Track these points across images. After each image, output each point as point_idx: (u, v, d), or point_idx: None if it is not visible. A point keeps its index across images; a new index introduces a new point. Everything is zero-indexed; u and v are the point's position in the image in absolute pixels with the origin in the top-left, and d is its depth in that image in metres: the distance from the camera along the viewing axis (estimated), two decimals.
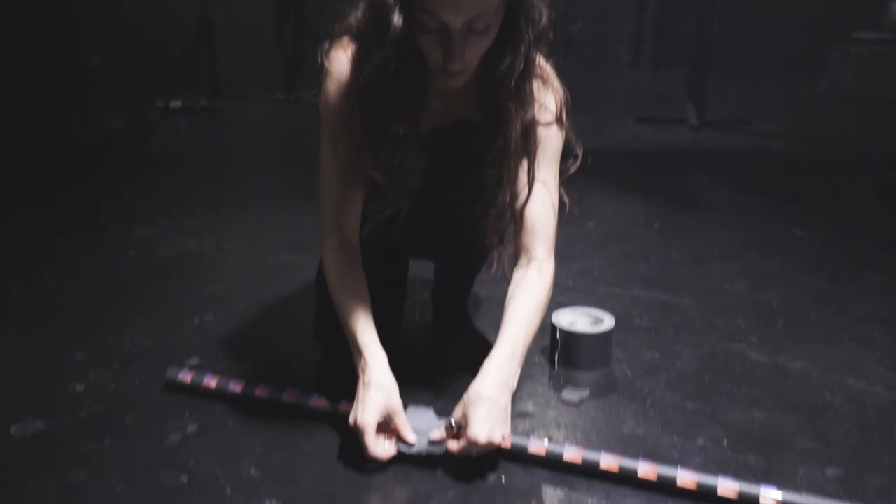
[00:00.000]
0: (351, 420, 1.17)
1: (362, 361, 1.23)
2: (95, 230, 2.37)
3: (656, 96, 4.90)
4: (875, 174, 3.36)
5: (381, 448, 1.15)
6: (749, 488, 1.08)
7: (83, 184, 2.96)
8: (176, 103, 4.44)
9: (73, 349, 1.57)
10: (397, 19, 1.10)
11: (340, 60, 1.24)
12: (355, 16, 1.21)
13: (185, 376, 1.40)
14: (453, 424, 1.17)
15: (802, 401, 1.40)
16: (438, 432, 1.18)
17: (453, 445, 1.16)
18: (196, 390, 1.39)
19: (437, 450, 1.17)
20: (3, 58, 3.70)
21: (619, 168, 3.20)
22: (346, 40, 1.24)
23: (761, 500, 1.07)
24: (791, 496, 1.07)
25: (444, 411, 1.24)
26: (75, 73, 3.68)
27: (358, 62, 1.20)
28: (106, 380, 1.46)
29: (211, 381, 1.38)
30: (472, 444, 1.12)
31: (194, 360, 1.52)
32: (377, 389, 1.19)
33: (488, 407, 1.15)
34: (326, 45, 1.26)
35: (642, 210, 2.65)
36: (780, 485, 1.09)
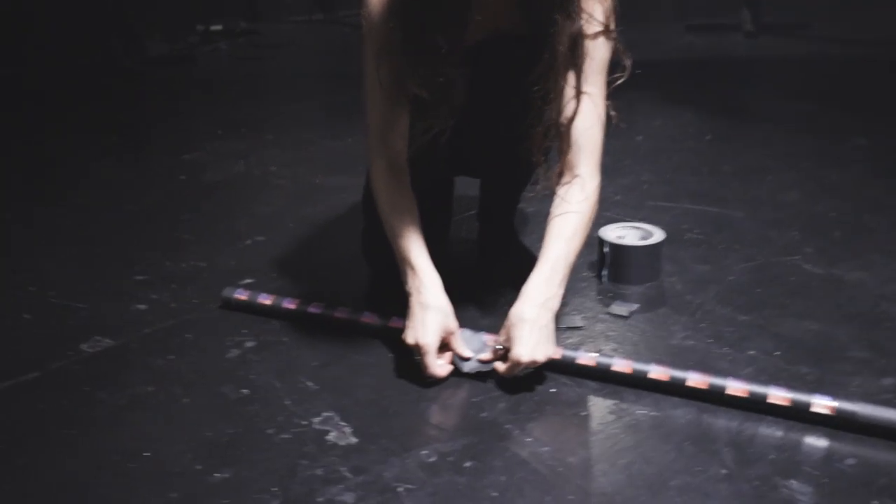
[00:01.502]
0: (410, 340, 1.19)
1: (416, 282, 1.24)
2: (145, 155, 2.40)
3: (708, 0, 4.69)
4: None
5: (440, 367, 1.18)
6: (802, 396, 1.08)
7: (131, 109, 2.99)
8: (216, 26, 4.41)
9: (133, 271, 1.61)
10: None
11: None
12: None
13: (241, 295, 1.44)
14: (499, 346, 1.19)
15: (858, 311, 1.38)
16: (487, 354, 1.21)
17: (500, 366, 1.18)
18: (251, 308, 1.42)
19: (486, 368, 1.20)
20: None
21: (668, 78, 3.11)
22: None
23: (813, 408, 1.08)
24: (845, 404, 1.07)
25: (492, 328, 1.25)
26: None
27: None
28: (166, 299, 1.50)
29: (266, 300, 1.42)
30: (515, 364, 1.14)
31: (248, 280, 1.55)
32: (436, 311, 1.20)
33: (529, 328, 1.16)
34: None
35: (693, 121, 2.58)
36: (833, 395, 1.08)
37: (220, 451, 1.06)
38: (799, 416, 1.08)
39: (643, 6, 4.69)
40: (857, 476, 0.99)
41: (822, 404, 1.07)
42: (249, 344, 1.32)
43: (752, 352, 1.26)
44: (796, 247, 1.65)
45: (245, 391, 1.18)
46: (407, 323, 1.21)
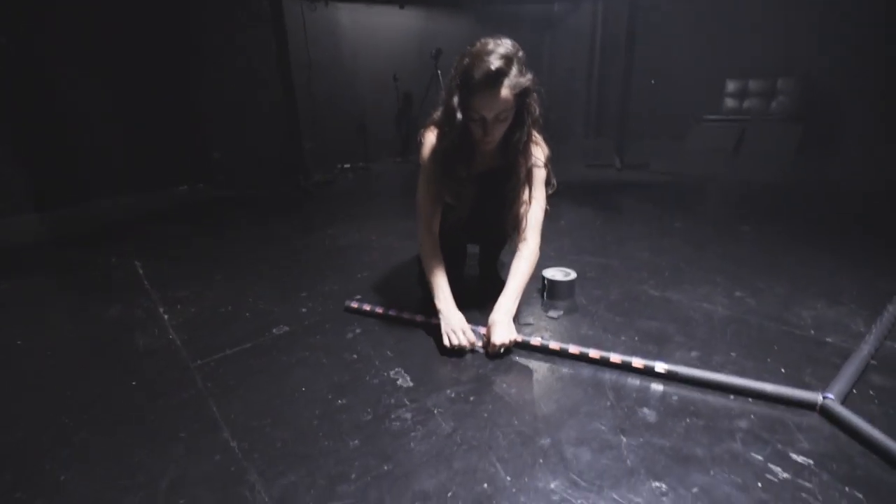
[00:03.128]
0: (445, 329, 1.18)
1: (443, 304, 1.22)
2: (310, 231, 2.43)
3: (597, 151, 4.71)
4: (717, 191, 3.18)
5: (460, 341, 1.16)
6: (649, 362, 1.07)
7: (304, 208, 3.05)
8: (346, 164, 4.50)
9: (301, 290, 1.62)
10: (459, 116, 1.11)
11: (429, 138, 1.24)
12: (437, 113, 1.22)
13: (354, 304, 1.44)
14: (485, 336, 1.17)
15: (678, 316, 1.35)
16: (480, 341, 1.19)
17: (487, 349, 1.16)
18: (360, 312, 1.42)
19: (480, 348, 1.18)
20: (261, 142, 3.83)
21: (577, 191, 3.09)
22: (431, 127, 1.24)
23: (656, 369, 1.05)
24: (672, 367, 1.05)
25: (484, 323, 1.23)
26: (300, 153, 3.76)
27: (439, 139, 1.20)
28: (315, 305, 1.50)
29: (367, 307, 1.42)
30: (494, 345, 1.13)
31: (358, 296, 1.55)
32: (454, 315, 1.20)
33: (499, 325, 1.15)
34: (422, 130, 1.26)
35: (590, 214, 2.56)
36: (665, 361, 1.06)
37: (341, 388, 1.06)
38: (648, 373, 1.06)
39: (562, 153, 4.73)
40: (679, 405, 0.97)
41: (660, 367, 1.05)
42: (358, 331, 1.32)
43: (623, 338, 1.24)
44: (644, 281, 1.63)
45: (355, 356, 1.18)
46: (441, 323, 1.20)
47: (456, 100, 1.11)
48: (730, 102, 5.14)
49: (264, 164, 3.84)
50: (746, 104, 5.06)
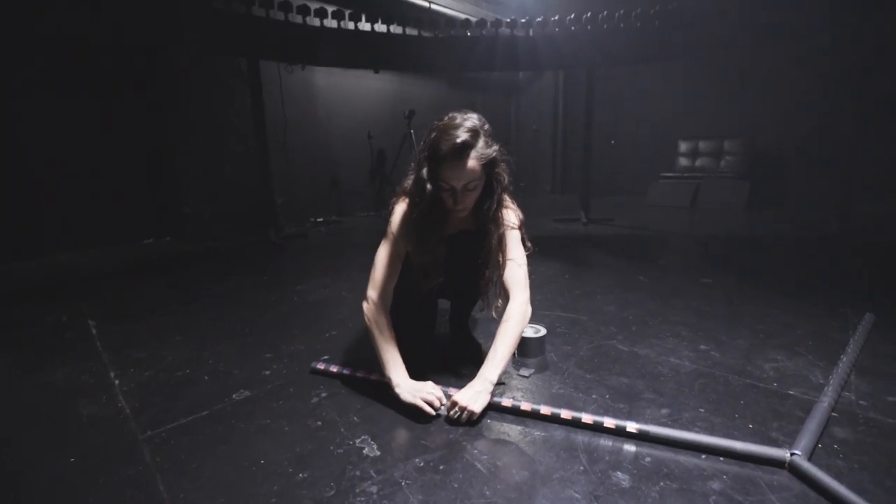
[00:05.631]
0: (406, 398, 1.12)
1: (395, 373, 1.16)
2: (279, 287, 2.37)
3: (564, 207, 4.88)
4: (678, 244, 3.32)
5: (423, 404, 1.11)
6: (621, 422, 1.05)
7: (274, 262, 2.99)
8: (319, 218, 4.50)
9: (265, 351, 1.56)
10: (429, 187, 1.13)
11: (400, 207, 1.24)
12: (407, 182, 1.23)
13: (320, 366, 1.39)
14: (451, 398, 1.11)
15: (647, 371, 1.35)
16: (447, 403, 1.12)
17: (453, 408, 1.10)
18: (326, 374, 1.36)
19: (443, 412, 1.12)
20: (233, 196, 3.80)
21: (546, 245, 3.17)
22: (402, 195, 1.25)
23: (627, 429, 1.03)
24: (644, 426, 1.03)
25: (454, 385, 1.21)
26: (272, 207, 3.74)
27: (410, 208, 1.21)
28: (280, 367, 1.44)
29: (334, 368, 1.36)
30: (454, 403, 1.08)
31: (326, 356, 1.49)
32: (410, 385, 1.15)
33: (470, 389, 1.11)
34: (393, 199, 1.27)
35: (559, 268, 2.60)
36: (637, 419, 1.05)
37: (303, 460, 0.99)
38: (620, 433, 1.04)
39: (531, 208, 4.87)
40: (652, 467, 0.94)
41: (632, 427, 1.03)
42: (324, 394, 1.26)
43: (594, 395, 1.22)
44: (613, 335, 1.63)
45: (319, 423, 1.12)
46: (400, 393, 1.14)
47: (425, 171, 1.13)
48: (683, 161, 5.51)
49: (235, 217, 3.80)
50: (698, 163, 5.42)
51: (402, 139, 4.65)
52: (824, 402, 1.13)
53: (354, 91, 4.81)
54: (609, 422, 1.05)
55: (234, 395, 1.26)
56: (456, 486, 0.89)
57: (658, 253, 3.03)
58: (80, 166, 3.16)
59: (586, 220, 4.06)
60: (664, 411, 1.13)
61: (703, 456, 0.97)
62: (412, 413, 1.12)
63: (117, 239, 3.39)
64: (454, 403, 1.09)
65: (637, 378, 1.31)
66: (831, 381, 1.24)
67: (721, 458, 0.96)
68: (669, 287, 2.21)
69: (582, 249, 3.12)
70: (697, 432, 1.02)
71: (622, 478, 0.91)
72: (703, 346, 1.51)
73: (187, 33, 3.03)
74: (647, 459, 0.96)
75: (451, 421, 1.09)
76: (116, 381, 1.36)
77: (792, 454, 0.94)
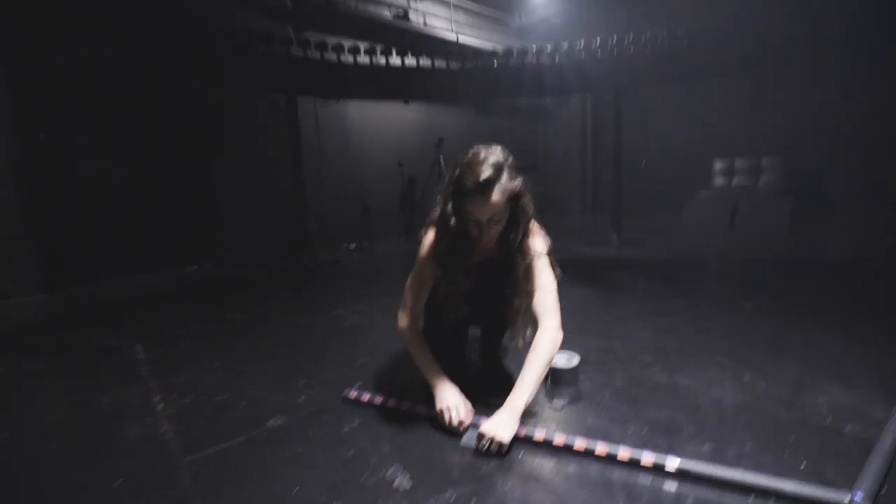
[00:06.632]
0: (445, 417, 1.15)
1: (435, 378, 1.23)
2: (314, 313, 2.42)
3: (595, 228, 4.80)
4: (715, 266, 3.18)
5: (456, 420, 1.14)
6: (660, 459, 1.00)
7: (309, 288, 3.06)
8: (352, 245, 4.59)
9: (299, 378, 1.58)
10: (454, 221, 1.15)
11: (428, 237, 1.27)
12: (434, 213, 1.25)
13: (353, 393, 1.39)
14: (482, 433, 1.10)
15: (687, 403, 1.29)
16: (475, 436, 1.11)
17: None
18: (358, 402, 1.37)
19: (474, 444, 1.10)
20: (270, 223, 3.94)
21: (579, 270, 3.10)
22: (430, 226, 1.27)
23: (667, 467, 0.98)
24: (686, 463, 0.98)
25: (484, 413, 1.19)
26: (307, 234, 3.85)
27: (436, 240, 1.23)
28: (314, 394, 1.45)
29: (366, 396, 1.37)
30: (482, 435, 1.07)
31: (359, 382, 1.50)
32: (449, 392, 1.20)
33: (497, 418, 1.10)
34: (423, 229, 1.30)
35: (592, 293, 2.55)
36: (678, 454, 1.00)
37: (335, 490, 0.99)
38: (659, 470, 0.99)
39: (561, 231, 4.82)
40: None
41: (672, 464, 0.98)
42: (356, 423, 1.26)
43: (631, 429, 1.18)
44: (650, 364, 1.57)
45: (351, 453, 1.12)
46: (436, 400, 1.18)
47: (450, 206, 1.16)
48: (719, 180, 5.35)
49: (271, 244, 3.93)
50: (735, 181, 5.25)
51: (431, 166, 4.74)
52: (887, 441, 1.04)
53: (385, 122, 4.97)
54: (648, 457, 1.01)
55: (269, 422, 1.28)
56: None
57: (695, 276, 2.92)
58: (130, 200, 3.38)
59: (618, 243, 3.99)
60: (707, 447, 1.08)
61: (752, 497, 0.91)
62: (436, 422, 1.15)
63: (164, 265, 3.57)
64: (482, 435, 1.07)
65: (677, 410, 1.25)
66: (894, 416, 1.15)
67: (772, 500, 0.90)
68: (708, 312, 2.12)
69: (614, 273, 3.04)
70: (744, 471, 0.96)
71: None
72: (747, 377, 1.43)
73: (230, 74, 3.24)
74: (690, 500, 0.91)
75: (480, 452, 1.07)
76: (160, 406, 1.41)
77: (853, 498, 0.87)
